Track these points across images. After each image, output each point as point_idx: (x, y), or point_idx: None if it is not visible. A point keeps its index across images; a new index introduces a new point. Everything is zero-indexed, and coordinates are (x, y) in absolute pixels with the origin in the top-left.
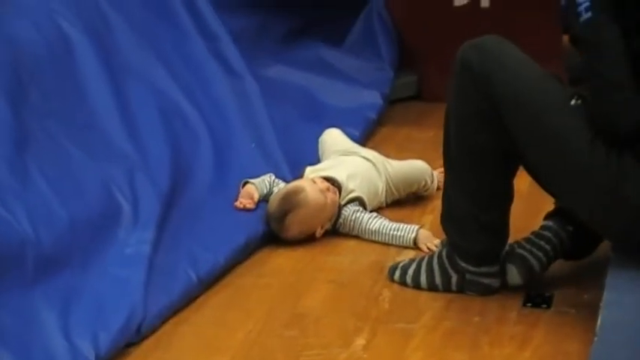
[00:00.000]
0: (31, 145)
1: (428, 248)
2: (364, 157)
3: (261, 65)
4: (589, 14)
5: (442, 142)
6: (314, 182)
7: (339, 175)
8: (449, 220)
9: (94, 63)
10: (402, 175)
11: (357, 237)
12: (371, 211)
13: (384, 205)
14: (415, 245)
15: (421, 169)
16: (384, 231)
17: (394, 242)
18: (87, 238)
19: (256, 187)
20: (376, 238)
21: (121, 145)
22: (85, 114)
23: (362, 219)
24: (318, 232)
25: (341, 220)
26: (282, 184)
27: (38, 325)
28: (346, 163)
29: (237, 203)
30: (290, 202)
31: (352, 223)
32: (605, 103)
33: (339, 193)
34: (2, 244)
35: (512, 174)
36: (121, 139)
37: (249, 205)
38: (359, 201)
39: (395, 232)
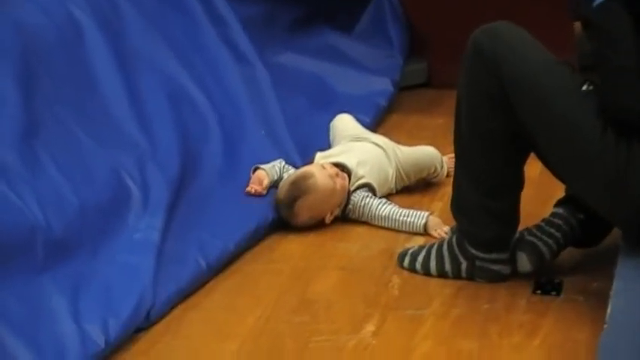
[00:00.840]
0: (41, 131)
1: (438, 234)
2: (374, 143)
3: (271, 53)
4: None
5: (453, 128)
6: (323, 168)
7: (349, 161)
8: (459, 207)
9: (103, 49)
10: (412, 161)
11: (366, 223)
12: (380, 197)
13: (394, 191)
14: (425, 231)
15: (431, 155)
16: (393, 217)
17: (404, 228)
18: (97, 224)
19: (267, 173)
20: (386, 224)
21: (130, 132)
22: (94, 100)
23: (371, 205)
24: (328, 218)
25: (350, 206)
26: (292, 170)
27: (48, 311)
28: (356, 149)
29: (249, 188)
30: (299, 187)
31: (362, 209)
32: (615, 88)
33: (349, 178)
34: (12, 229)
35: (523, 161)
36: (131, 126)
37: (260, 190)
38: (368, 187)
39: (405, 218)
